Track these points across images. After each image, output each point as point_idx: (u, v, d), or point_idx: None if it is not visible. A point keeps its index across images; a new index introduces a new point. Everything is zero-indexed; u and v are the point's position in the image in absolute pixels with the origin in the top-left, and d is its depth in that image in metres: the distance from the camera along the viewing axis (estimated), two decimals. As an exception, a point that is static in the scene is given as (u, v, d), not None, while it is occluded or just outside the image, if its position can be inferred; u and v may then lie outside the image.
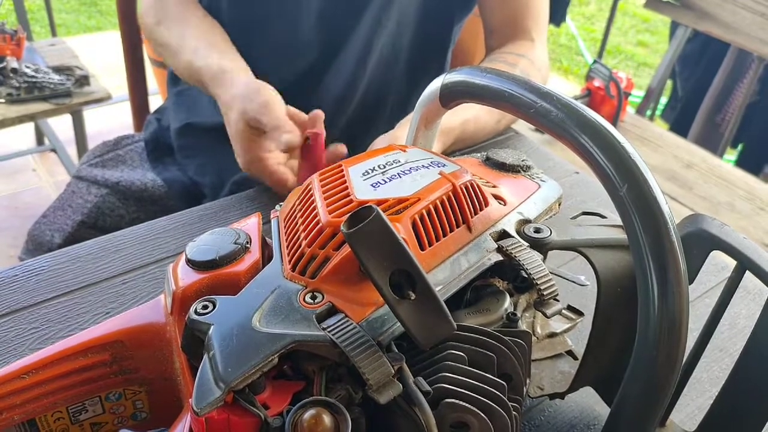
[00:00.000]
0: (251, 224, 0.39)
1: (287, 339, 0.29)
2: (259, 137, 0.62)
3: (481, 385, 0.31)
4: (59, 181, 2.01)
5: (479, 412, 0.30)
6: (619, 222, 0.38)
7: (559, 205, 0.44)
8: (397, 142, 0.60)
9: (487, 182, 0.42)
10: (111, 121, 2.18)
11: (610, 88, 1.65)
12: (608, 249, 0.37)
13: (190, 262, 0.35)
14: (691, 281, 0.33)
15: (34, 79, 1.54)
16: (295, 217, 0.37)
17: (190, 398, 0.27)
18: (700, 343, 0.39)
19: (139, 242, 0.59)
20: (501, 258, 0.36)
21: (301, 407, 0.28)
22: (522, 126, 1.02)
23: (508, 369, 0.33)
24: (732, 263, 0.36)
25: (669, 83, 2.18)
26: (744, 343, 0.35)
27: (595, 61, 1.79)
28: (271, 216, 0.40)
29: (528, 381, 0.37)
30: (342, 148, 0.64)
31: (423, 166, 0.38)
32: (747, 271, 0.35)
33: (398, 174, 0.37)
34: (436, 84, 0.42)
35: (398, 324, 0.30)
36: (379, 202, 0.34)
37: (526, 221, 0.39)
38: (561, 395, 0.42)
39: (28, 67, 1.57)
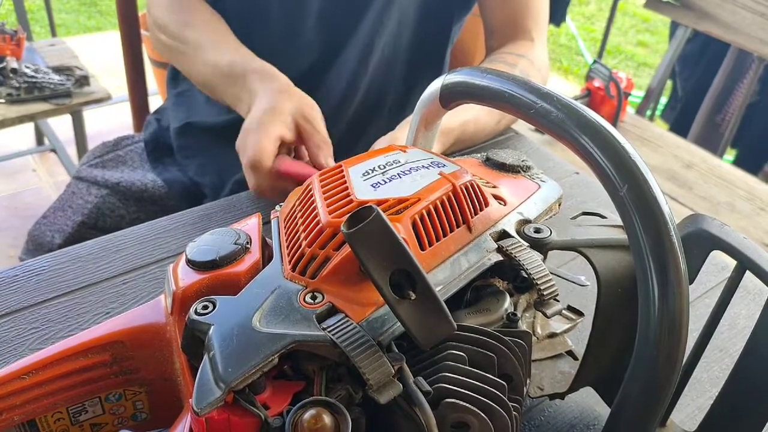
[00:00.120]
0: (251, 224, 0.39)
1: (287, 339, 0.29)
2: (290, 134, 0.61)
3: (481, 385, 0.31)
4: (59, 181, 2.01)
5: (479, 412, 0.30)
6: (619, 222, 0.38)
7: (559, 205, 0.44)
8: (397, 143, 0.60)
9: (487, 182, 0.42)
10: (111, 121, 2.19)
11: (610, 89, 1.65)
12: (608, 249, 0.37)
13: (191, 263, 0.35)
14: (691, 281, 0.33)
15: (34, 80, 1.54)
16: (295, 217, 0.37)
17: (190, 398, 0.27)
18: (700, 343, 0.39)
19: (140, 242, 0.59)
20: (501, 258, 0.36)
21: (301, 407, 0.28)
22: (522, 126, 1.02)
23: (509, 369, 0.33)
24: (732, 263, 0.36)
25: (669, 83, 2.18)
26: (744, 343, 0.35)
27: (595, 61, 1.79)
28: (271, 216, 0.40)
29: (528, 381, 0.37)
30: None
31: (423, 166, 0.38)
32: (747, 271, 0.35)
33: (398, 174, 0.37)
34: (436, 85, 0.42)
35: (398, 324, 0.30)
36: (379, 203, 0.34)
37: (526, 221, 0.39)
38: (561, 395, 0.42)
39: (28, 68, 1.57)
